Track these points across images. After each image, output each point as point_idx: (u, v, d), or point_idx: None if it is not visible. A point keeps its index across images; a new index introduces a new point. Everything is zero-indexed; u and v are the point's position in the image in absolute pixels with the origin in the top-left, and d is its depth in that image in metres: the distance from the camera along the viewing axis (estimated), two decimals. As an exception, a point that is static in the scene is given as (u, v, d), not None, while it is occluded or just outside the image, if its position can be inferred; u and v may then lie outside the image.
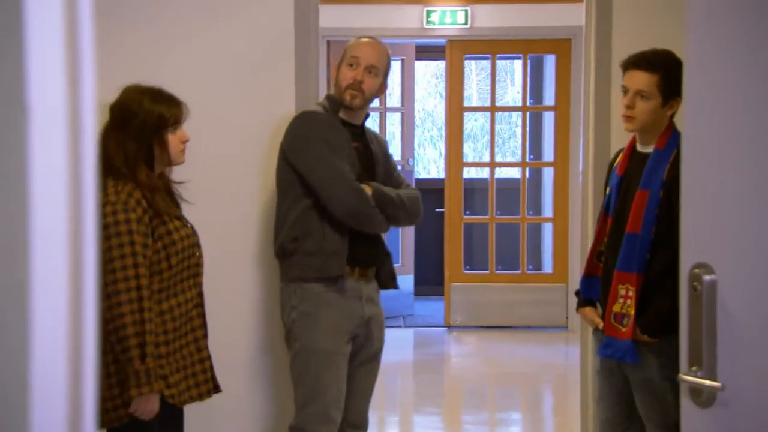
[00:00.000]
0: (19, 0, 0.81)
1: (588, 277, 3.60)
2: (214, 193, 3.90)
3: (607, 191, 3.58)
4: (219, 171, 3.95)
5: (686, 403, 1.93)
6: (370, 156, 3.81)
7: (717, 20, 1.89)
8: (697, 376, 1.88)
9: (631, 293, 3.31)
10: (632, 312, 3.32)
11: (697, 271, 1.88)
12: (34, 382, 0.78)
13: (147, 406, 3.06)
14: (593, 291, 3.59)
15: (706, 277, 1.87)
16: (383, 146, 3.96)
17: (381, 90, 3.83)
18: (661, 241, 3.30)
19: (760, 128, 1.84)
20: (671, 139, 3.37)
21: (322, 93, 4.12)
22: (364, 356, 3.81)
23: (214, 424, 3.99)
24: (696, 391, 1.90)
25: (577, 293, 3.68)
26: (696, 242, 1.92)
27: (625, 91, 3.41)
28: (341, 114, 3.77)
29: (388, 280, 3.86)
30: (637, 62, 3.39)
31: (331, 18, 7.59)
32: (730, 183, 1.87)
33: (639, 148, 3.48)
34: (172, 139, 3.21)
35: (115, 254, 3.01)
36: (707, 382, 1.86)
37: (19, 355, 0.80)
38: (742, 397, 1.85)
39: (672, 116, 3.43)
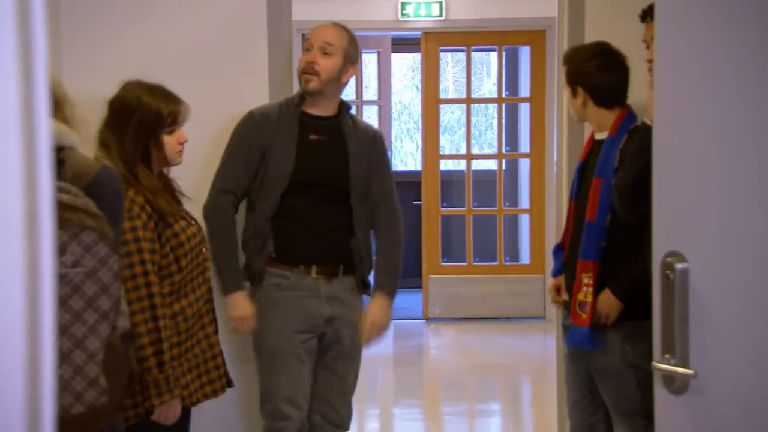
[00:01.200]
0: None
1: (559, 246, 3.73)
2: (193, 188, 3.85)
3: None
4: (194, 165, 3.91)
5: (659, 391, 1.94)
6: (338, 151, 3.70)
7: (686, 9, 1.90)
8: (670, 364, 1.89)
9: (590, 281, 3.34)
10: (590, 300, 3.35)
11: (669, 259, 1.89)
12: None
13: (170, 412, 3.03)
14: (559, 260, 3.71)
15: (679, 266, 1.88)
16: (373, 147, 3.78)
17: (345, 72, 3.69)
18: (616, 228, 3.33)
19: (729, 117, 1.85)
20: (623, 124, 3.40)
21: (295, 84, 4.10)
22: (332, 355, 3.75)
23: (224, 416, 4.00)
24: (669, 379, 1.91)
25: (555, 253, 3.78)
26: (668, 231, 1.93)
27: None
28: (305, 107, 3.69)
29: (360, 285, 3.78)
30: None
31: (306, 11, 7.57)
32: (701, 172, 1.89)
33: (596, 136, 3.53)
34: (169, 139, 3.14)
35: (123, 263, 2.94)
36: (680, 370, 1.88)
37: None
38: (715, 385, 1.86)
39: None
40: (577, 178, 3.55)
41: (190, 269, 3.14)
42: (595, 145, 3.52)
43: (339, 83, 3.70)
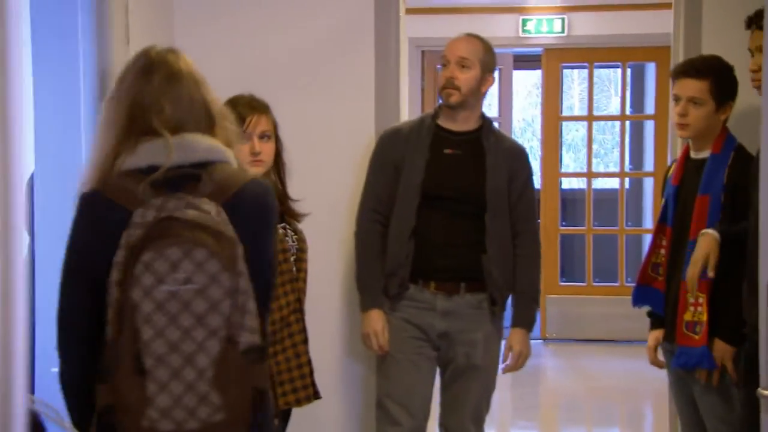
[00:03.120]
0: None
1: (641, 287, 3.61)
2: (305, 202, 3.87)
3: (662, 202, 3.57)
4: (306, 179, 3.92)
5: (765, 418, 1.85)
6: (475, 165, 3.70)
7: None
8: (775, 393, 1.80)
9: (701, 300, 3.22)
10: (704, 318, 3.26)
11: (775, 283, 1.80)
12: None
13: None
14: (647, 300, 3.60)
15: (785, 290, 1.79)
16: (517, 164, 3.74)
17: (485, 82, 3.72)
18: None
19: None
20: (727, 142, 3.37)
21: (412, 101, 4.11)
22: (449, 372, 3.76)
23: (320, 427, 4.05)
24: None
25: (649, 314, 3.67)
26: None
27: (677, 99, 3.43)
28: (442, 122, 3.74)
29: (490, 302, 3.74)
30: (686, 70, 3.43)
31: (425, 28, 7.59)
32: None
33: (693, 155, 3.47)
34: (239, 148, 3.20)
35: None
36: (786, 400, 1.78)
37: None
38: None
39: (725, 121, 3.42)
40: (673, 202, 3.46)
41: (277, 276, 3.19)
42: (689, 165, 3.46)
43: (479, 94, 3.75)
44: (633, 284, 8.37)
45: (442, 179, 3.67)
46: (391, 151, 3.72)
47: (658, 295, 3.55)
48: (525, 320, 3.80)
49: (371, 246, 3.74)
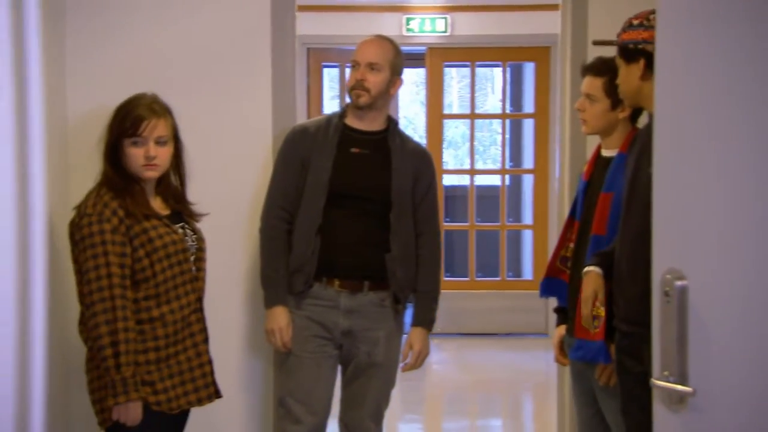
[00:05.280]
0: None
1: (549, 279, 3.71)
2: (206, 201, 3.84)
3: (574, 197, 3.67)
4: (205, 178, 3.90)
5: (658, 408, 1.94)
6: (381, 164, 3.75)
7: (689, 29, 1.91)
8: (668, 381, 1.89)
9: (600, 295, 3.32)
10: (602, 313, 3.34)
11: (668, 276, 1.89)
12: None
13: (128, 414, 3.09)
14: (553, 291, 3.70)
15: (678, 283, 1.88)
16: (421, 167, 3.82)
17: (393, 84, 3.79)
18: None
19: (730, 134, 1.85)
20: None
21: (300, 99, 4.12)
22: (351, 369, 3.81)
23: (219, 425, 4.04)
24: (668, 396, 1.91)
25: (556, 311, 3.78)
26: (667, 248, 1.93)
27: (581, 95, 3.58)
28: (349, 121, 3.78)
29: (393, 300, 3.81)
30: (587, 68, 3.57)
31: (311, 25, 7.60)
32: (700, 190, 1.89)
33: (603, 152, 3.58)
34: (134, 151, 3.18)
35: (90, 265, 3.07)
36: (679, 387, 1.87)
37: None
38: (714, 402, 1.86)
39: (633, 120, 3.54)
40: (582, 198, 3.56)
41: (171, 276, 3.19)
42: (599, 163, 3.55)
43: (388, 96, 3.81)
44: (514, 278, 8.53)
45: (348, 178, 3.71)
46: (299, 149, 3.74)
47: (564, 286, 3.64)
48: (426, 320, 3.87)
49: (277, 243, 3.74)
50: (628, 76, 3.15)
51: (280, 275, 3.73)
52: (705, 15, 1.88)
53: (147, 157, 3.18)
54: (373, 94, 3.73)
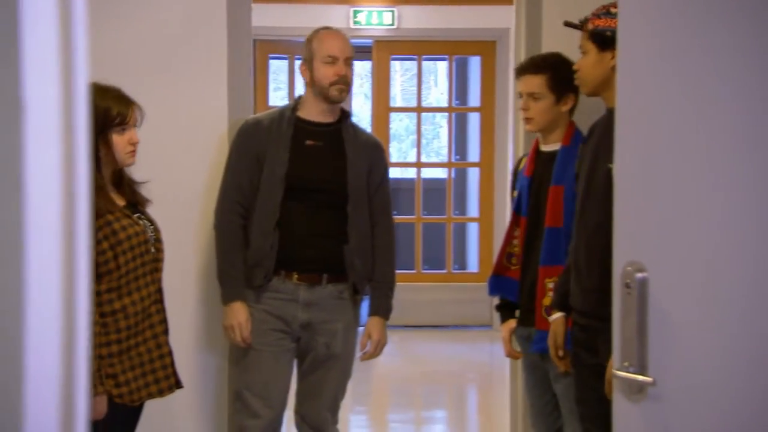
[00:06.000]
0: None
1: (496, 276, 3.75)
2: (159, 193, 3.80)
3: (515, 194, 3.71)
4: (144, 166, 3.86)
5: (618, 398, 1.97)
6: (336, 156, 3.75)
7: (652, 19, 1.93)
8: (629, 372, 1.92)
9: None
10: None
11: (629, 269, 1.92)
12: (28, 380, 0.77)
13: (94, 408, 3.05)
14: (501, 289, 3.74)
15: (638, 275, 1.91)
16: (374, 158, 3.84)
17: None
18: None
19: (691, 128, 1.88)
20: (575, 136, 3.53)
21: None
22: (308, 361, 3.81)
23: (174, 419, 3.99)
24: (628, 386, 1.94)
25: (498, 308, 3.83)
26: (628, 240, 1.96)
27: (520, 95, 3.61)
28: (302, 113, 3.76)
29: (352, 292, 3.83)
30: (526, 67, 3.61)
31: (257, 17, 7.52)
32: (662, 182, 1.92)
33: (542, 148, 3.63)
34: (119, 139, 3.16)
35: None
36: (639, 378, 1.90)
37: (13, 353, 0.79)
38: (673, 392, 1.89)
39: (571, 113, 3.59)
40: (527, 193, 3.60)
41: (133, 267, 3.17)
42: (541, 158, 3.61)
43: None
44: (460, 271, 8.59)
45: (304, 171, 3.70)
46: (253, 143, 3.72)
47: (511, 283, 3.69)
48: (383, 309, 3.90)
49: (233, 238, 3.72)
50: (599, 63, 3.13)
51: (237, 270, 3.71)
52: (669, 5, 1.91)
53: (132, 143, 3.18)
54: (349, 88, 3.78)
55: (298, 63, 3.86)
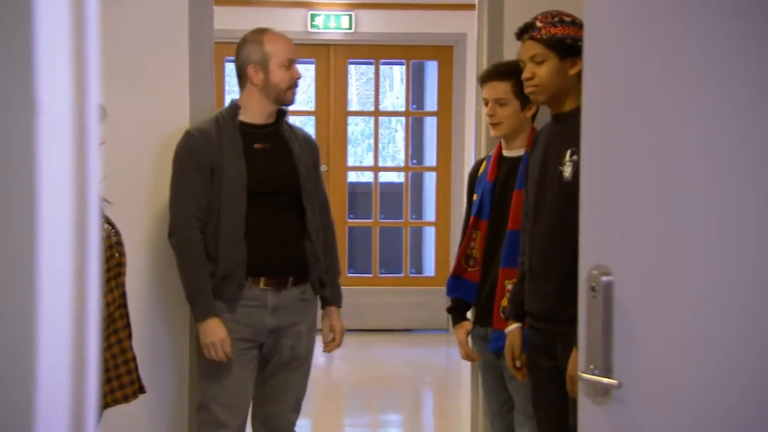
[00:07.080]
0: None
1: (455, 277, 3.78)
2: (119, 196, 3.73)
3: (475, 198, 3.74)
4: (118, 175, 3.81)
5: (584, 401, 1.98)
6: (284, 156, 3.74)
7: (617, 23, 1.95)
8: (594, 374, 1.94)
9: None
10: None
11: (595, 272, 1.93)
12: (39, 379, 0.77)
13: None
14: (459, 290, 3.77)
15: (603, 278, 1.92)
16: (313, 150, 3.89)
17: None
18: None
19: (655, 132, 1.91)
20: None
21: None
22: (272, 364, 3.78)
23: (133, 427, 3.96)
24: (593, 389, 1.96)
25: (450, 310, 3.86)
26: (594, 244, 1.97)
27: (486, 102, 3.63)
28: (242, 117, 3.72)
29: (316, 287, 3.83)
30: (491, 74, 3.65)
31: (216, 19, 7.51)
32: (626, 186, 1.94)
33: (506, 153, 3.67)
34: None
35: None
36: (604, 380, 1.92)
37: (24, 352, 0.79)
38: (638, 395, 1.91)
39: (533, 119, 3.63)
40: (489, 197, 3.62)
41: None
42: (504, 163, 3.64)
43: None
44: (416, 275, 8.61)
45: (261, 175, 3.68)
46: (205, 155, 3.63)
47: (469, 285, 3.72)
48: (338, 298, 3.95)
49: (198, 254, 3.62)
50: (560, 71, 3.15)
51: (207, 286, 3.61)
52: (634, 7, 1.93)
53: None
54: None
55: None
